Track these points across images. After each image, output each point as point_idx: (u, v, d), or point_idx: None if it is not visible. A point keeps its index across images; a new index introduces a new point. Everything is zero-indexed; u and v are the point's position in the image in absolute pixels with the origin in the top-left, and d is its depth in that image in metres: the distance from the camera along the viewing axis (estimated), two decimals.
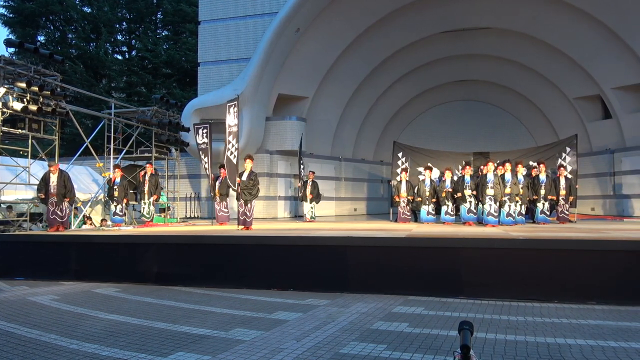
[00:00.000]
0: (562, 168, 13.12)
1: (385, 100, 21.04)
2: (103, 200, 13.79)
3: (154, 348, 4.45)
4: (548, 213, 12.67)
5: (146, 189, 12.40)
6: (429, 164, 13.90)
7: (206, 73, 16.93)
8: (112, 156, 13.42)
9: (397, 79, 20.30)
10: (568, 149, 14.25)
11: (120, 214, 11.87)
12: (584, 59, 17.04)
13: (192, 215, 17.28)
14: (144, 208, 12.69)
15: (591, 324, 5.31)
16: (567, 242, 7.21)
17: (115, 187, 11.59)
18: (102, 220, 13.64)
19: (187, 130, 14.86)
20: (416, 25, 17.52)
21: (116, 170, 11.87)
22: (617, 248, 6.78)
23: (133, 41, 29.00)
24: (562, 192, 12.66)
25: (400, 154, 14.96)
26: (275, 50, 15.75)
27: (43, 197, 9.98)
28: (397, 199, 13.43)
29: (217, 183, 12.78)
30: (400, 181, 13.59)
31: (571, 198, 12.99)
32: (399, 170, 14.36)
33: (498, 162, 12.31)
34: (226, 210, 12.90)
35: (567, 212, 13.00)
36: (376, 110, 21.12)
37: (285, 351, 4.32)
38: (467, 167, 12.49)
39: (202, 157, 13.27)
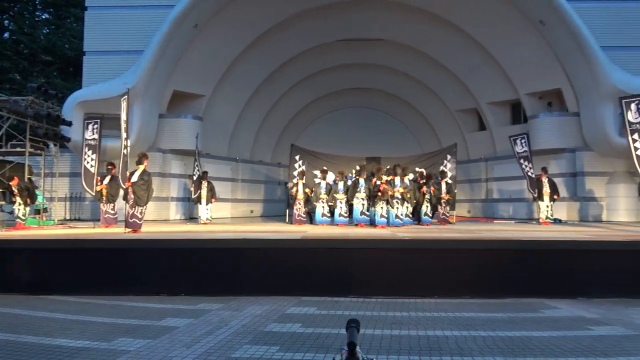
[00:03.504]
0: (443, 174, 14.30)
1: (284, 103, 21.21)
2: None
3: None
4: (431, 215, 13.71)
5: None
6: (324, 168, 14.28)
7: (93, 63, 15.68)
8: None
9: (296, 83, 20.58)
10: (449, 157, 15.54)
11: None
12: (464, 74, 18.74)
13: (73, 217, 15.87)
14: (18, 209, 11.44)
15: (465, 316, 5.84)
16: (445, 242, 7.86)
17: None
18: None
19: (69, 124, 13.62)
20: (315, 32, 17.93)
21: None
22: (487, 247, 7.56)
23: (6, 22, 25.87)
24: (444, 196, 13.77)
25: (297, 157, 15.18)
26: (171, 44, 15.09)
27: None
28: (293, 193, 13.69)
29: (105, 183, 11.90)
30: (297, 183, 13.80)
31: (449, 196, 14.25)
32: (295, 173, 14.56)
33: (388, 167, 13.06)
34: (113, 212, 12.05)
35: (447, 214, 14.18)
36: (275, 112, 21.19)
37: (174, 359, 4.15)
38: (362, 171, 13.13)
39: (90, 153, 12.25)
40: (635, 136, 9.71)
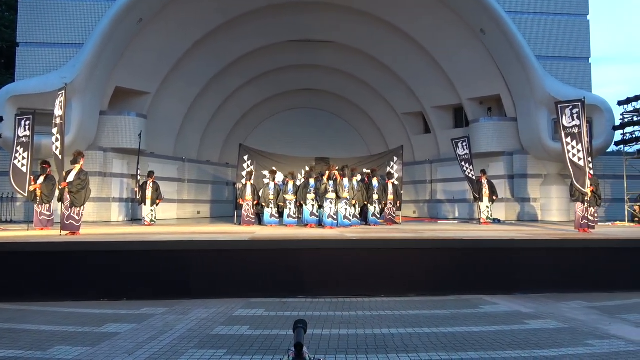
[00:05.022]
0: (390, 176, 14.63)
1: (233, 102, 20.92)
2: None
3: None
4: (379, 215, 13.98)
5: None
6: (274, 168, 14.23)
7: (27, 56, 14.76)
8: None
9: (245, 82, 20.36)
10: (395, 159, 15.92)
11: None
12: (410, 78, 19.26)
13: (5, 219, 14.87)
14: None
15: (410, 314, 6.00)
16: (391, 242, 8.05)
17: None
18: None
19: (0, 119, 12.76)
20: (265, 31, 17.81)
21: None
22: (430, 246, 7.82)
23: None
24: (390, 197, 14.09)
25: (246, 157, 15.01)
26: (113, 39, 14.48)
27: None
28: (242, 202, 13.52)
29: (39, 183, 11.25)
30: (245, 184, 13.66)
31: (398, 202, 14.61)
32: (244, 174, 14.40)
33: (337, 168, 13.19)
34: (48, 213, 11.40)
35: (394, 215, 14.52)
36: (223, 111, 20.86)
37: None
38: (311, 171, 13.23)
39: (21, 152, 11.50)
40: (569, 139, 10.32)
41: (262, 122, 23.24)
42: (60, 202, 9.58)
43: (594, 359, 4.17)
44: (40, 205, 11.25)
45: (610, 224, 14.22)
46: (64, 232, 9.24)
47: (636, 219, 14.29)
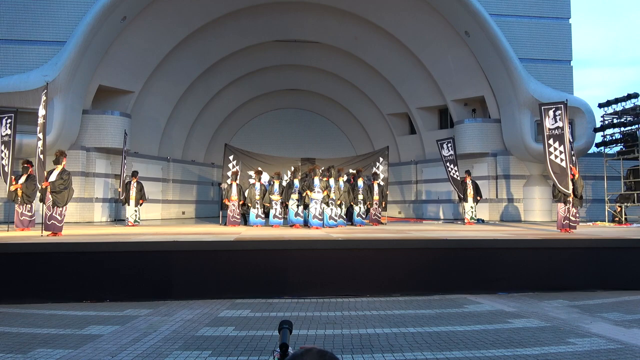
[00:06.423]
0: (375, 176, 14.70)
1: (218, 102, 20.81)
2: None
3: None
4: (364, 216, 14.01)
5: None
6: (259, 168, 14.17)
7: (6, 53, 14.46)
8: None
9: (231, 82, 20.28)
10: (381, 159, 15.99)
11: None
12: (395, 80, 19.37)
13: None
14: None
15: (395, 313, 6.02)
16: (377, 242, 8.07)
17: None
18: None
19: None
20: (250, 31, 17.76)
21: None
22: (415, 246, 7.86)
23: None
24: (376, 197, 14.15)
25: (231, 157, 14.93)
26: (97, 37, 14.29)
27: None
28: (227, 202, 13.44)
29: (20, 183, 11.06)
30: (231, 184, 13.59)
31: (383, 203, 14.68)
32: (229, 174, 14.33)
33: (323, 168, 13.21)
34: (30, 213, 11.20)
35: (379, 215, 14.57)
36: (208, 111, 20.74)
37: None
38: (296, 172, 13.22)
39: (5, 152, 11.31)
40: (551, 141, 10.46)
41: (248, 122, 23.17)
42: (42, 202, 9.43)
43: (575, 357, 4.23)
44: (21, 206, 11.05)
45: (591, 224, 14.47)
46: (45, 233, 9.09)
47: (616, 219, 14.57)
